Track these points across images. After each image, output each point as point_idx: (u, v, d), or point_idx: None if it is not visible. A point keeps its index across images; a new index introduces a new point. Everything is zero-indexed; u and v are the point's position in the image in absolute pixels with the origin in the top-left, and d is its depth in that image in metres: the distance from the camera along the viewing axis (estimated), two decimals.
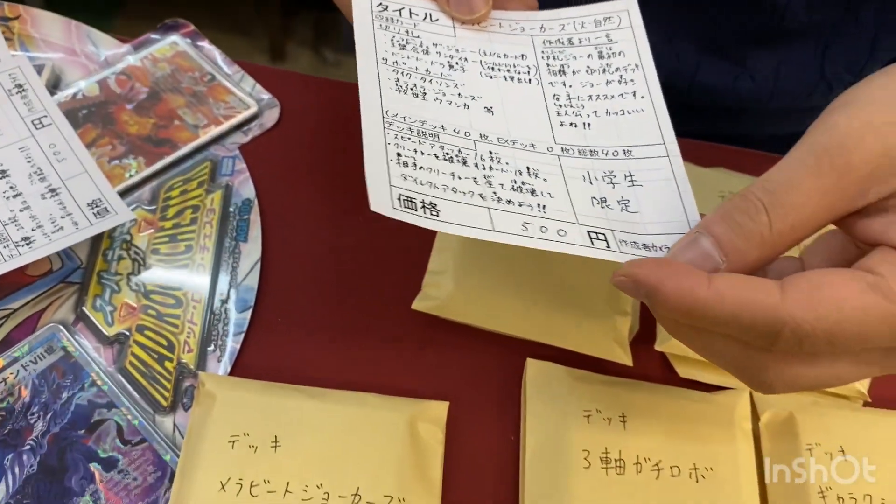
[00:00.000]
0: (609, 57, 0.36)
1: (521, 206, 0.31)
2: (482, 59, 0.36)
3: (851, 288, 0.25)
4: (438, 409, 0.36)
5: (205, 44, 0.48)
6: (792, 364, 0.27)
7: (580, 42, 0.37)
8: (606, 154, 0.34)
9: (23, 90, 0.42)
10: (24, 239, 0.37)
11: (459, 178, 0.31)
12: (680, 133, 0.35)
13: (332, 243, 0.42)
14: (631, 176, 0.33)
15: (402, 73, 0.34)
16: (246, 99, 0.46)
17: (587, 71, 0.36)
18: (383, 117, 0.32)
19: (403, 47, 0.35)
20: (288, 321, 0.39)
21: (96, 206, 0.39)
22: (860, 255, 0.27)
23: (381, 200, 0.28)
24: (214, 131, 0.44)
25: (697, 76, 0.55)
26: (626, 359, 0.40)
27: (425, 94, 0.34)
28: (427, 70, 0.34)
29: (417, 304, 0.40)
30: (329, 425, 0.35)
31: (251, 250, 0.41)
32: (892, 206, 0.27)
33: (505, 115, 0.34)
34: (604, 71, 0.36)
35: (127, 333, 0.37)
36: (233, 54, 0.48)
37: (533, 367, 0.39)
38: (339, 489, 0.33)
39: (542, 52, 0.36)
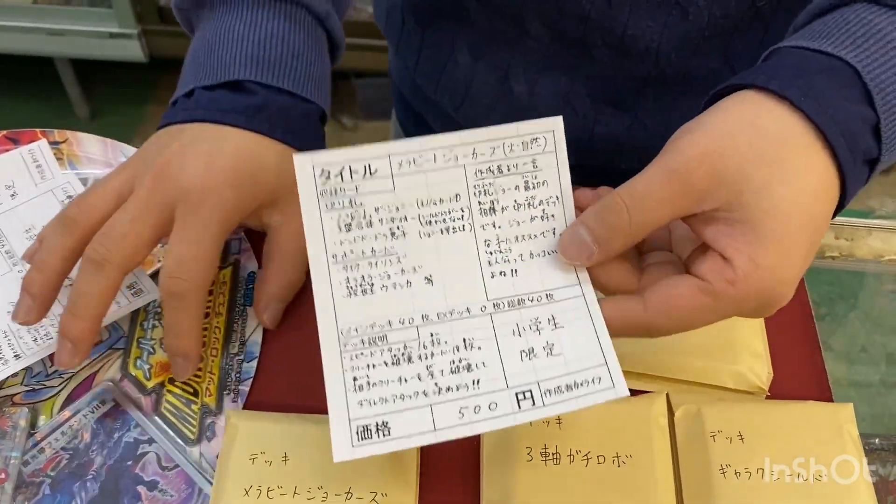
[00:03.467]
0: (534, 188, 0.40)
1: (458, 389, 0.37)
2: (420, 212, 0.38)
3: (689, 295, 0.37)
4: None
5: None
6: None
7: (509, 170, 0.39)
8: (532, 301, 0.39)
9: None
10: None
11: (406, 380, 0.37)
12: (582, 166, 0.44)
13: None
14: (553, 319, 0.38)
15: (351, 267, 0.38)
16: None
17: (514, 206, 0.39)
18: (339, 340, 0.37)
19: (349, 228, 0.38)
20: (287, 367, 0.49)
21: (133, 288, 0.50)
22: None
23: (343, 450, 0.35)
24: None
25: (595, 128, 0.62)
26: None
27: (372, 285, 0.38)
28: (372, 250, 0.38)
29: None
30: (326, 441, 0.44)
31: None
32: (720, 217, 0.36)
33: (443, 282, 0.38)
34: (529, 205, 0.39)
35: (161, 385, 0.48)
36: None
37: None
38: (335, 490, 0.42)
39: (475, 185, 0.39)
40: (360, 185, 0.38)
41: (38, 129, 0.58)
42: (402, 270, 0.38)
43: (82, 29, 1.74)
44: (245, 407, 0.47)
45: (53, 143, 0.58)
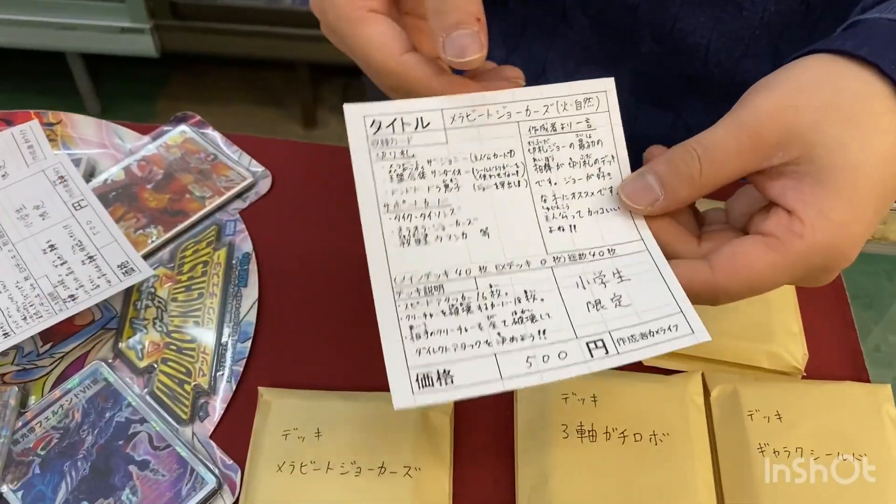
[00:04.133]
0: (589, 147, 0.39)
1: (523, 339, 0.35)
2: (474, 166, 0.37)
3: (757, 254, 0.35)
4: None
5: (208, 130, 0.59)
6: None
7: (563, 128, 0.39)
8: (594, 255, 0.37)
9: (64, 180, 0.53)
10: (71, 296, 0.47)
11: (466, 329, 0.34)
12: None
13: (320, 285, 0.51)
14: (619, 273, 0.37)
15: (403, 216, 0.36)
16: (243, 172, 0.56)
17: (570, 164, 0.38)
18: (392, 288, 0.35)
19: (401, 178, 0.37)
20: (281, 346, 0.48)
21: (125, 267, 0.49)
22: (766, 204, 0.36)
23: (403, 396, 0.32)
24: (218, 201, 0.55)
25: (636, 126, 0.61)
26: None
27: (426, 236, 0.36)
28: (425, 201, 0.36)
29: None
30: (358, 417, 0.44)
31: (250, 293, 0.50)
32: (789, 172, 0.35)
33: (500, 236, 0.37)
34: (584, 164, 0.38)
35: (154, 365, 0.47)
36: (268, 124, 0.58)
37: None
38: (368, 464, 0.42)
39: (529, 142, 0.38)
40: (412, 137, 0.37)
41: (31, 111, 0.57)
42: (457, 222, 0.37)
43: (94, 23, 1.74)
44: (237, 388, 0.46)
45: (48, 125, 0.57)
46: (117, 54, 1.81)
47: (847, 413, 0.46)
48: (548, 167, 0.38)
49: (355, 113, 0.36)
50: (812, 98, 0.35)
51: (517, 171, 0.38)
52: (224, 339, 0.48)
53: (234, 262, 0.52)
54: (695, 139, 0.36)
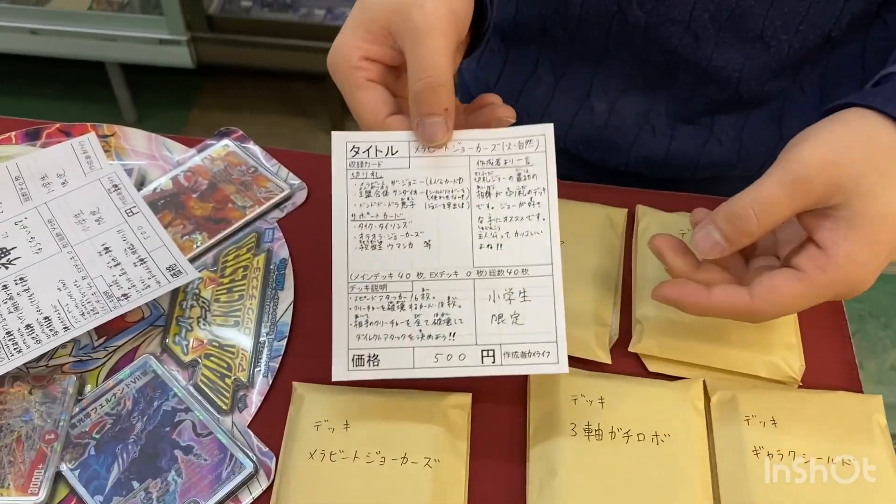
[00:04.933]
0: (525, 179, 0.45)
1: (437, 338, 0.44)
2: (428, 188, 0.45)
3: (788, 285, 0.43)
4: (464, 399, 0.49)
5: (249, 144, 0.63)
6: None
7: (505, 163, 0.45)
8: (510, 273, 0.44)
9: (118, 189, 0.58)
10: (124, 295, 0.52)
11: (397, 324, 0.44)
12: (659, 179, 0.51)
13: None
14: (524, 293, 0.44)
15: (365, 225, 0.45)
16: (281, 184, 0.60)
17: (507, 192, 0.45)
18: (347, 283, 0.44)
19: (369, 195, 0.45)
20: (314, 346, 0.52)
21: (173, 270, 0.53)
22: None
23: (340, 371, 0.43)
24: (258, 210, 0.59)
25: (672, 144, 0.65)
26: (605, 359, 0.52)
27: (381, 243, 0.45)
28: (384, 215, 0.45)
29: None
30: (383, 411, 0.48)
31: (286, 296, 0.54)
32: (829, 215, 0.42)
33: (439, 247, 0.45)
34: (519, 193, 0.45)
35: (198, 360, 0.51)
36: (297, 133, 0.62)
37: None
38: (392, 454, 0.46)
39: (476, 172, 0.45)
40: (381, 162, 0.45)
41: (88, 123, 0.62)
42: (407, 234, 0.45)
43: (134, 35, 1.81)
44: (273, 382, 0.50)
45: (102, 137, 0.62)
46: (154, 64, 1.87)
47: (838, 420, 0.49)
48: (488, 194, 0.45)
49: (340, 138, 0.46)
50: (854, 154, 0.41)
51: (462, 195, 0.45)
52: (262, 338, 0.52)
53: (272, 266, 0.56)
54: (751, 196, 0.42)
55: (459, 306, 0.44)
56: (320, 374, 0.50)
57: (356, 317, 0.44)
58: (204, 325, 0.53)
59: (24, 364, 0.49)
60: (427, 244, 0.45)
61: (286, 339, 0.52)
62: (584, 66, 0.63)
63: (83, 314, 0.50)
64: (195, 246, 0.57)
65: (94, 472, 0.46)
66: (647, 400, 0.49)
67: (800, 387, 0.52)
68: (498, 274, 0.44)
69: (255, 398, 0.50)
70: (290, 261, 0.56)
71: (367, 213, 0.45)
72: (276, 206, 0.60)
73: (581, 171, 0.69)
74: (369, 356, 0.43)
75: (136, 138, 0.63)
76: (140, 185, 0.60)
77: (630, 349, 0.52)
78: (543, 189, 0.45)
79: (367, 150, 0.45)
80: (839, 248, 0.42)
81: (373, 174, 0.45)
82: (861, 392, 0.52)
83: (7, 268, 0.53)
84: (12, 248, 0.54)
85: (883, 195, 0.41)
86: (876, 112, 0.42)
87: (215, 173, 0.61)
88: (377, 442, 0.46)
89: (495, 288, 0.44)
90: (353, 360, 0.43)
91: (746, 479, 0.46)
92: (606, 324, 0.53)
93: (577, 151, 0.68)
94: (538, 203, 0.45)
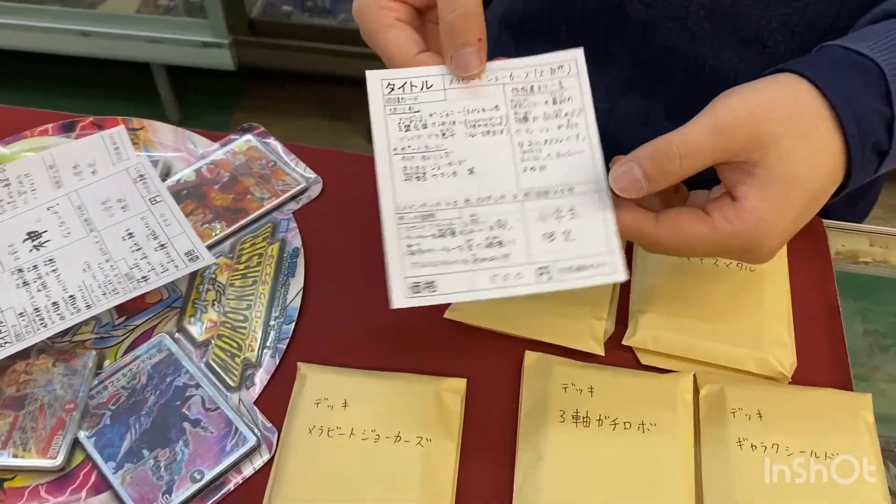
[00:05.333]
0: (561, 103, 0.46)
1: (491, 260, 0.44)
2: (466, 118, 0.46)
3: (690, 222, 0.44)
4: (458, 384, 0.51)
5: (270, 140, 0.66)
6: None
7: (539, 89, 0.46)
8: (556, 193, 0.45)
9: (143, 178, 0.61)
10: (143, 277, 0.55)
11: (449, 250, 0.44)
12: None
13: (357, 280, 0.58)
14: (572, 210, 0.45)
15: (408, 158, 0.46)
16: (297, 178, 0.63)
17: (544, 117, 0.46)
18: (396, 214, 0.45)
19: (408, 129, 0.46)
20: (320, 330, 0.55)
21: (191, 255, 0.56)
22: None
23: (399, 299, 0.43)
24: (275, 202, 0.62)
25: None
26: (599, 350, 0.54)
27: (425, 174, 0.45)
28: (426, 147, 0.46)
29: (449, 314, 0.55)
30: (381, 393, 0.50)
31: (297, 283, 0.57)
32: (746, 169, 0.44)
33: (483, 174, 0.45)
34: (556, 116, 0.46)
35: (210, 340, 0.54)
36: (335, 137, 0.65)
37: (530, 356, 0.53)
38: (386, 432, 0.48)
39: (511, 100, 0.46)
40: (418, 97, 0.46)
41: (119, 117, 0.66)
42: (450, 163, 0.46)
43: (178, 37, 1.87)
44: (280, 362, 0.53)
45: (132, 130, 0.66)
46: (198, 66, 1.93)
47: (825, 415, 0.50)
48: (526, 119, 0.46)
49: (374, 76, 0.47)
50: (779, 112, 0.43)
51: (501, 122, 0.46)
52: (272, 321, 0.55)
53: (285, 255, 0.59)
54: (677, 136, 0.43)
55: (510, 229, 0.45)
56: (325, 356, 0.53)
57: (408, 246, 0.44)
58: (218, 307, 0.56)
59: (49, 338, 0.52)
60: (471, 171, 0.46)
61: (294, 323, 0.55)
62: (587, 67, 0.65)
63: (105, 294, 0.54)
64: (214, 234, 0.60)
65: (109, 441, 0.49)
66: (636, 390, 0.51)
67: (790, 384, 0.53)
68: (544, 195, 0.45)
69: (262, 377, 0.52)
70: (302, 250, 0.59)
71: (409, 147, 0.46)
72: (292, 198, 0.62)
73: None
74: (425, 282, 0.44)
75: (163, 132, 0.66)
76: (165, 175, 0.63)
77: (624, 342, 0.54)
78: (580, 110, 0.46)
79: (402, 86, 0.46)
80: (747, 201, 0.43)
81: (410, 109, 0.46)
82: (851, 391, 0.53)
83: (38, 249, 0.56)
84: (44, 232, 0.58)
85: (797, 158, 0.42)
86: (807, 81, 0.44)
87: (236, 166, 0.64)
88: (373, 420, 0.49)
89: (543, 208, 0.45)
90: (410, 287, 0.44)
91: (728, 470, 0.48)
92: (602, 318, 0.55)
93: None
94: (576, 124, 0.46)
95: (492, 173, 0.46)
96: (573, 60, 0.47)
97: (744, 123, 0.42)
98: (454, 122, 0.46)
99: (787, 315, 0.56)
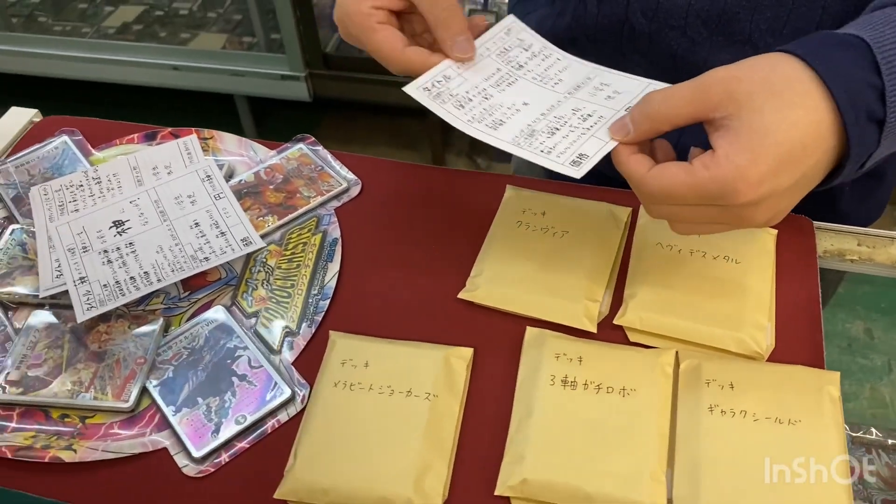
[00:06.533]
0: (529, 48, 0.62)
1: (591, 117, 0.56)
2: (488, 83, 0.59)
3: (674, 171, 0.49)
4: (465, 352, 0.59)
5: (319, 148, 0.76)
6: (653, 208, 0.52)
7: (511, 47, 0.62)
8: (583, 83, 0.59)
9: (210, 179, 0.72)
10: (205, 258, 0.65)
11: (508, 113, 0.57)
12: None
13: (385, 268, 0.66)
14: (602, 81, 0.60)
15: (481, 118, 0.56)
16: (340, 180, 0.73)
17: (530, 58, 0.62)
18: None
19: (462, 107, 0.57)
20: (352, 306, 0.64)
21: (246, 241, 0.66)
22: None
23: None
24: (320, 200, 0.71)
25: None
26: (591, 328, 0.60)
27: (502, 122, 0.56)
28: (483, 109, 0.57)
29: (463, 294, 0.63)
30: (397, 356, 0.58)
31: (334, 267, 0.66)
32: (724, 124, 0.47)
33: (532, 102, 0.58)
34: (534, 56, 0.62)
35: (259, 312, 0.64)
36: None
37: (530, 332, 0.60)
38: (399, 388, 0.56)
39: (504, 60, 0.61)
40: (446, 87, 0.58)
41: (193, 128, 0.77)
42: (508, 107, 0.58)
43: (259, 71, 2.02)
44: (316, 332, 0.62)
45: (203, 139, 0.76)
46: (276, 98, 2.07)
47: (792, 388, 0.55)
48: (521, 66, 0.61)
49: (415, 87, 0.57)
50: (753, 74, 0.48)
51: (510, 75, 0.61)
52: (310, 298, 0.64)
53: (325, 244, 0.68)
54: (662, 93, 0.51)
55: (580, 108, 0.57)
56: (353, 327, 0.62)
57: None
58: (266, 286, 0.65)
59: (125, 306, 0.63)
60: (525, 104, 0.58)
61: (329, 300, 0.64)
62: None
63: (173, 270, 0.64)
64: (267, 226, 0.69)
65: (170, 389, 0.59)
66: (622, 361, 0.58)
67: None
68: (577, 88, 0.59)
69: (299, 343, 0.61)
70: (340, 240, 0.68)
71: (474, 116, 0.56)
72: (335, 197, 0.72)
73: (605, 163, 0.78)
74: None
75: (228, 140, 0.77)
76: (229, 177, 0.74)
77: (615, 321, 0.61)
78: (543, 46, 0.63)
79: (433, 84, 0.57)
80: (721, 149, 0.47)
81: (452, 95, 0.57)
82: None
83: (121, 235, 0.67)
84: (126, 221, 0.68)
85: (768, 112, 0.46)
86: (790, 55, 0.48)
87: (289, 170, 0.74)
88: (388, 378, 0.57)
89: (587, 92, 0.59)
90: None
91: (699, 431, 0.54)
92: (596, 300, 0.62)
93: None
94: (549, 55, 0.62)
95: (537, 97, 0.58)
96: (512, 23, 0.63)
97: (719, 81, 0.48)
98: (485, 89, 0.58)
99: (768, 303, 0.61)
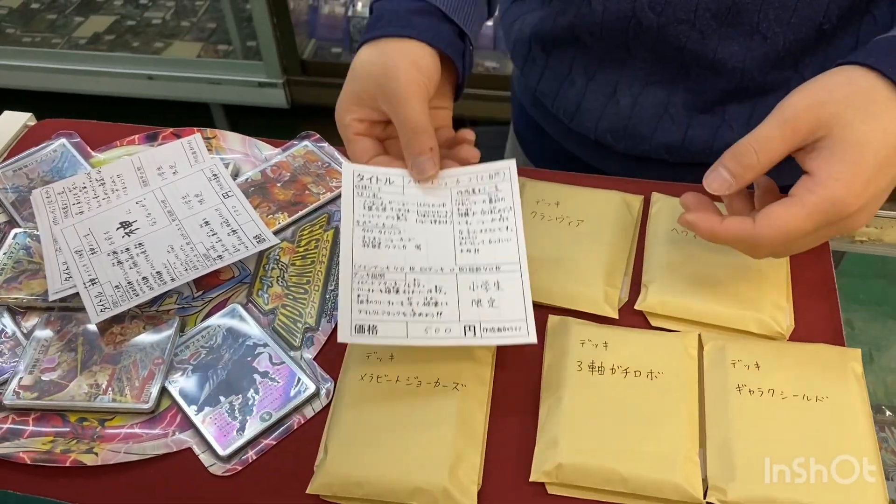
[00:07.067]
0: (496, 202, 0.58)
1: (427, 316, 0.53)
2: (418, 208, 0.57)
3: (784, 208, 0.50)
4: None
5: (325, 145, 0.76)
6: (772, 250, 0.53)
7: (479, 191, 0.58)
8: (486, 269, 0.55)
9: (217, 177, 0.71)
10: (218, 256, 0.64)
11: (392, 304, 0.53)
12: (676, 164, 0.64)
13: None
14: (497, 284, 0.55)
15: (367, 230, 0.56)
16: None
17: (482, 212, 0.57)
18: (352, 271, 0.54)
19: (370, 209, 0.56)
20: None
21: (259, 238, 0.65)
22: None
23: (344, 336, 0.51)
24: (329, 196, 0.71)
25: (688, 132, 0.74)
26: (613, 314, 0.61)
27: (380, 244, 0.55)
28: (383, 224, 0.56)
29: None
30: (419, 348, 0.57)
31: None
32: (817, 147, 0.49)
33: (427, 250, 0.56)
34: (491, 212, 0.57)
35: (275, 309, 0.63)
36: None
37: (553, 319, 0.61)
38: (427, 379, 0.56)
39: (455, 199, 0.58)
40: (381, 188, 0.58)
41: (195, 128, 0.76)
42: (401, 239, 0.56)
43: (236, 78, 2.00)
44: (335, 326, 0.61)
45: (206, 138, 0.75)
46: (253, 105, 2.06)
47: (816, 366, 0.56)
48: (467, 214, 0.58)
49: (348, 167, 0.58)
50: (834, 95, 0.50)
51: (446, 215, 0.58)
52: (327, 294, 0.63)
53: (338, 240, 0.67)
54: (751, 137, 0.51)
55: (445, 293, 0.54)
56: None
57: (358, 296, 0.53)
58: (282, 282, 0.65)
59: (139, 307, 0.62)
60: (418, 247, 0.56)
61: None
62: (610, 67, 0.73)
63: (186, 269, 0.63)
64: (277, 223, 0.69)
65: (191, 389, 0.58)
66: (646, 345, 0.58)
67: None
68: (476, 270, 0.56)
69: (319, 338, 0.61)
70: None
71: (369, 222, 0.56)
72: None
73: (611, 159, 0.79)
74: (369, 327, 0.52)
75: (232, 139, 0.76)
76: (235, 176, 0.73)
77: (636, 307, 0.61)
78: (510, 208, 0.57)
79: (370, 178, 0.58)
80: (822, 170, 0.48)
81: (374, 195, 0.57)
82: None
83: (129, 235, 0.66)
84: (133, 221, 0.67)
85: (858, 126, 0.48)
86: (857, 65, 0.50)
87: (296, 167, 0.73)
88: (415, 370, 0.56)
89: (474, 280, 0.55)
90: (355, 328, 0.52)
91: (728, 410, 0.54)
92: (616, 286, 0.62)
93: (606, 142, 0.77)
94: (507, 218, 0.57)
95: (434, 250, 0.56)
96: (507, 169, 0.58)
97: (804, 110, 0.49)
98: (408, 210, 0.57)
99: (785, 284, 0.62)
